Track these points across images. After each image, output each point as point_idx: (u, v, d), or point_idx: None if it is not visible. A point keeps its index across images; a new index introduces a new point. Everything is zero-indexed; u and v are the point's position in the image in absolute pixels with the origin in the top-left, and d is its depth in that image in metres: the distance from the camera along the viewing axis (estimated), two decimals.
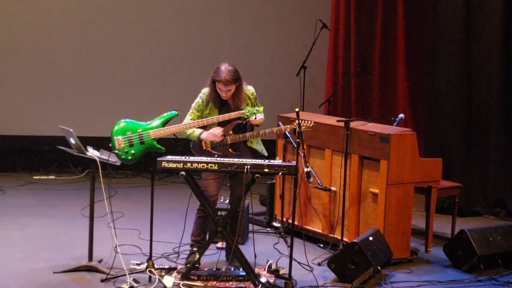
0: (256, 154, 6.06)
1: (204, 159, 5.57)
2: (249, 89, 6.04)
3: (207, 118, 5.88)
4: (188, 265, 5.72)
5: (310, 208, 6.89)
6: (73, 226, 7.09)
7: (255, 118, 5.80)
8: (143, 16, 9.62)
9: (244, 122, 5.90)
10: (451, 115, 7.97)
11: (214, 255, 6.20)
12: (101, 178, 5.67)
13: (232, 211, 5.77)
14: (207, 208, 5.73)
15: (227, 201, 6.55)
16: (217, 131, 5.88)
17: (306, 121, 5.80)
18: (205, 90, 5.98)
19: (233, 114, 5.86)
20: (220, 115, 5.90)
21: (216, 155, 5.86)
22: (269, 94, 9.42)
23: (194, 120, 5.93)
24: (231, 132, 5.91)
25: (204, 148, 5.96)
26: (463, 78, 7.94)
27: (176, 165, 5.51)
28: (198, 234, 6.06)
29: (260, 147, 6.11)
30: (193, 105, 6.01)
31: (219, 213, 6.16)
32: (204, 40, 9.69)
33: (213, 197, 5.98)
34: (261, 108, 5.84)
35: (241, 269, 5.66)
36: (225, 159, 5.60)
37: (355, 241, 5.80)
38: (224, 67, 5.84)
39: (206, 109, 5.97)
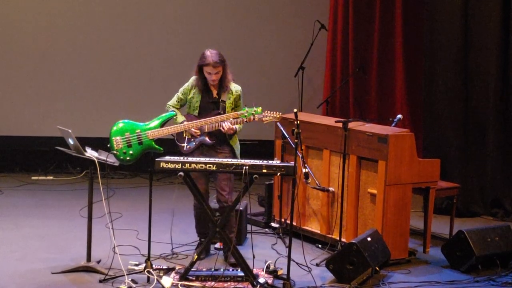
0: (234, 153, 6.14)
1: (202, 160, 5.59)
2: (235, 86, 6.13)
3: (206, 119, 5.92)
4: (193, 259, 5.72)
5: (308, 209, 6.89)
6: (71, 226, 7.09)
7: (254, 119, 5.85)
8: (141, 16, 9.61)
9: (221, 112, 6.02)
10: (449, 116, 7.98)
11: (212, 256, 6.20)
12: (99, 178, 5.66)
13: (229, 210, 5.78)
14: (205, 208, 5.73)
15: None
16: (192, 131, 5.99)
17: (273, 112, 5.86)
18: (195, 77, 6.16)
19: (231, 115, 5.91)
20: (218, 116, 5.94)
21: (194, 143, 6.01)
22: (268, 95, 9.44)
23: (177, 101, 6.14)
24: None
25: (184, 136, 6.06)
26: (460, 79, 7.95)
27: (175, 166, 5.52)
28: (200, 227, 6.26)
29: (237, 152, 6.16)
30: (181, 88, 6.19)
31: (217, 213, 6.19)
32: (202, 40, 9.67)
33: (204, 191, 6.09)
34: (259, 109, 5.86)
35: (239, 270, 5.67)
36: (223, 159, 5.64)
37: (353, 241, 5.80)
38: (209, 52, 6.02)
39: (190, 93, 6.12)
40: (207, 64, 5.96)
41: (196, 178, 5.93)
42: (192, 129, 5.99)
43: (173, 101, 6.19)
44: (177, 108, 6.17)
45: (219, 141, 6.09)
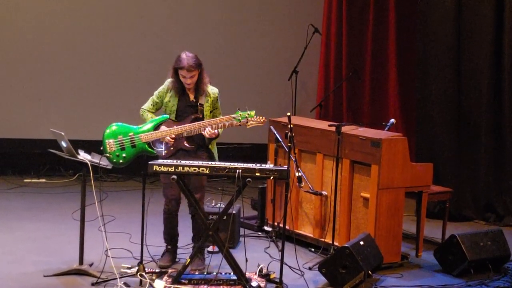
0: (212, 158, 6.06)
1: (195, 163, 5.57)
2: (212, 88, 6.04)
3: (198, 122, 5.88)
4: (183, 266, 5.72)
5: (301, 213, 6.89)
6: (64, 229, 7.07)
7: (246, 122, 5.81)
8: (136, 18, 9.60)
9: (200, 115, 5.94)
10: (442, 120, 8.00)
11: (205, 259, 6.20)
12: (92, 181, 5.66)
13: (222, 213, 5.78)
14: (198, 212, 5.73)
15: (218, 205, 6.58)
16: (166, 139, 5.90)
17: (258, 117, 5.78)
18: (171, 79, 6.03)
19: (224, 118, 5.87)
20: (211, 119, 5.90)
21: (171, 147, 5.92)
22: (261, 98, 9.45)
23: (152, 105, 6.03)
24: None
25: (161, 141, 5.97)
26: (453, 83, 7.97)
27: (168, 169, 5.52)
28: (166, 233, 6.21)
29: (215, 155, 6.08)
30: (156, 92, 6.07)
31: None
32: (197, 43, 9.66)
33: (175, 198, 6.06)
34: (252, 112, 5.82)
35: (231, 273, 5.66)
36: (216, 163, 5.64)
37: (346, 245, 5.80)
38: (185, 55, 5.89)
39: (166, 96, 6.01)
40: (181, 67, 5.84)
41: (171, 183, 5.80)
42: (167, 137, 5.87)
43: (148, 104, 6.06)
44: (152, 112, 6.05)
45: (198, 145, 6.00)
